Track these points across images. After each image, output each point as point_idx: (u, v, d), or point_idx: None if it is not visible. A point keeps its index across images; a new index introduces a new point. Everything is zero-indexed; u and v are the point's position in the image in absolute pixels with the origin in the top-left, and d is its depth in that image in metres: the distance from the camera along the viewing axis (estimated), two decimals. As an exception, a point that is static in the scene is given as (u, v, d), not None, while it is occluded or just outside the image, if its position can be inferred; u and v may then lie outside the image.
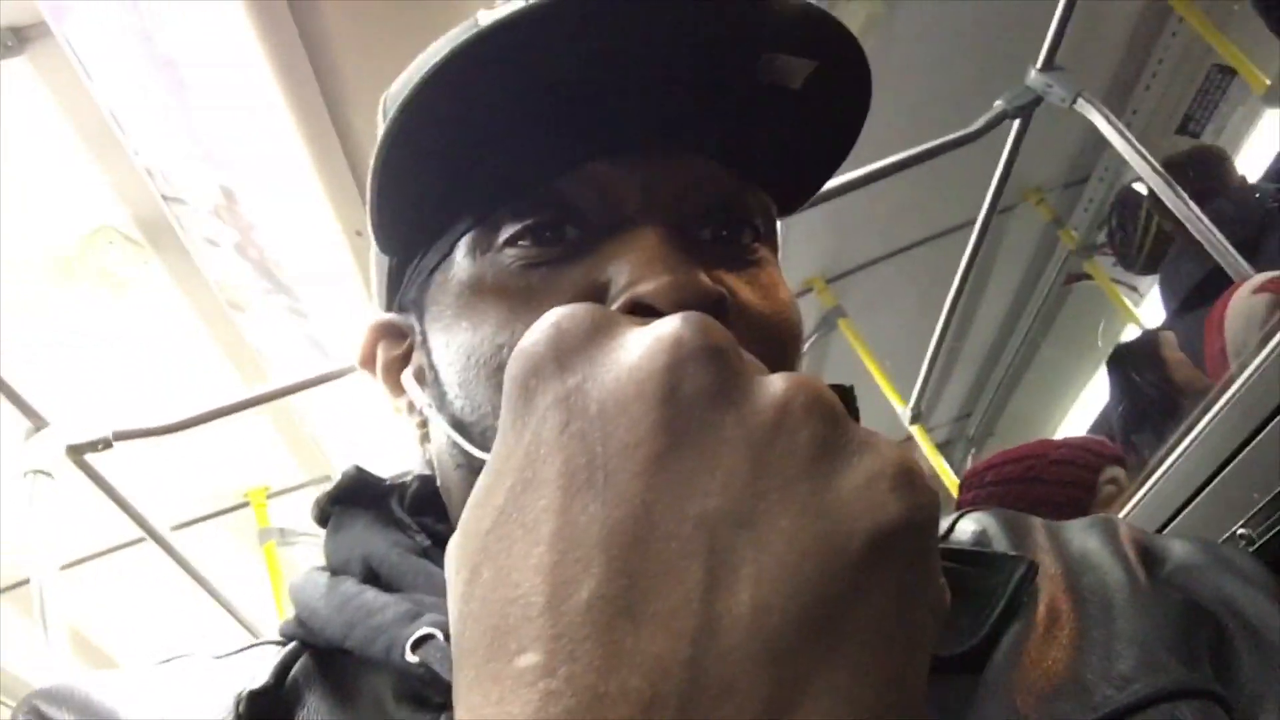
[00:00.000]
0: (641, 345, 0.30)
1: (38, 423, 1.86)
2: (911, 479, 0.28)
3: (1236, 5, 2.45)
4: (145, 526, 2.15)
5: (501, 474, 0.30)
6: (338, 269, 2.27)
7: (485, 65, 0.45)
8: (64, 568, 1.98)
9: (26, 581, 2.19)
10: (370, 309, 0.61)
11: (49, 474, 1.86)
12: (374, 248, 0.57)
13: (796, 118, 0.52)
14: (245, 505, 2.97)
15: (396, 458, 0.67)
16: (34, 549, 1.89)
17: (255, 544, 2.93)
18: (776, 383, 0.29)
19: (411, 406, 0.56)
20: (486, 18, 0.49)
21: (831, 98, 0.51)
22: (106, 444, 1.89)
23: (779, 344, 0.50)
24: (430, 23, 0.60)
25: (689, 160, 0.51)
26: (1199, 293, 2.31)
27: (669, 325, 0.30)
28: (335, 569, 0.55)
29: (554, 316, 0.32)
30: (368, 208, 0.51)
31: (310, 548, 3.00)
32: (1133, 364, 2.37)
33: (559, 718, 0.24)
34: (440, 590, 0.51)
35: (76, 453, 1.87)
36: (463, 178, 0.50)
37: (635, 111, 0.50)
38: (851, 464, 0.28)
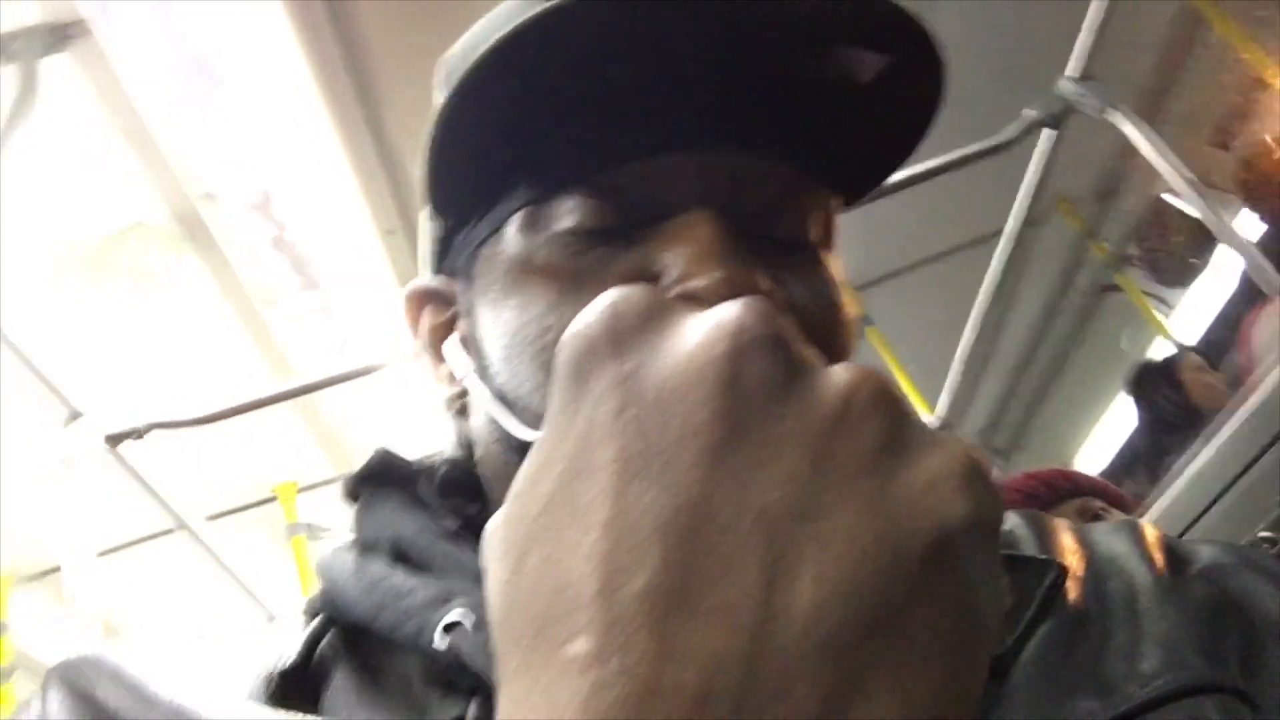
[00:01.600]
0: (701, 331, 0.29)
1: (74, 413, 1.89)
2: (977, 478, 0.27)
3: (1263, 12, 2.43)
4: (177, 517, 2.18)
5: (552, 458, 0.29)
6: (369, 267, 2.30)
7: (548, 41, 0.45)
8: (99, 555, 2.01)
9: (58, 569, 2.23)
10: (408, 286, 0.60)
11: (84, 462, 1.89)
12: (424, 213, 0.57)
13: (863, 111, 0.51)
14: (274, 500, 3.00)
15: (420, 454, 0.67)
16: (68, 537, 1.92)
17: (284, 538, 2.95)
18: (840, 374, 0.28)
19: (452, 376, 0.55)
20: None
21: (902, 91, 0.50)
22: (140, 434, 1.92)
23: (831, 344, 0.49)
24: (467, 24, 0.61)
25: (748, 155, 0.49)
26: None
27: (730, 311, 0.29)
28: (364, 547, 0.54)
29: (610, 298, 0.30)
30: (423, 167, 0.49)
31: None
32: (1153, 385, 2.37)
33: (609, 708, 0.24)
34: (469, 574, 0.51)
35: (112, 442, 1.90)
36: (522, 153, 0.50)
37: (698, 105, 0.49)
38: (916, 461, 0.27)
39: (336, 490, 0.59)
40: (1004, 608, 0.28)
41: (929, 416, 2.92)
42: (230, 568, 2.40)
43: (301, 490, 2.99)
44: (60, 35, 1.79)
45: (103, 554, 2.14)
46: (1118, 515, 1.84)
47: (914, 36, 0.47)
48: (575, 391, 0.29)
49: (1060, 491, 1.91)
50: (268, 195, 2.10)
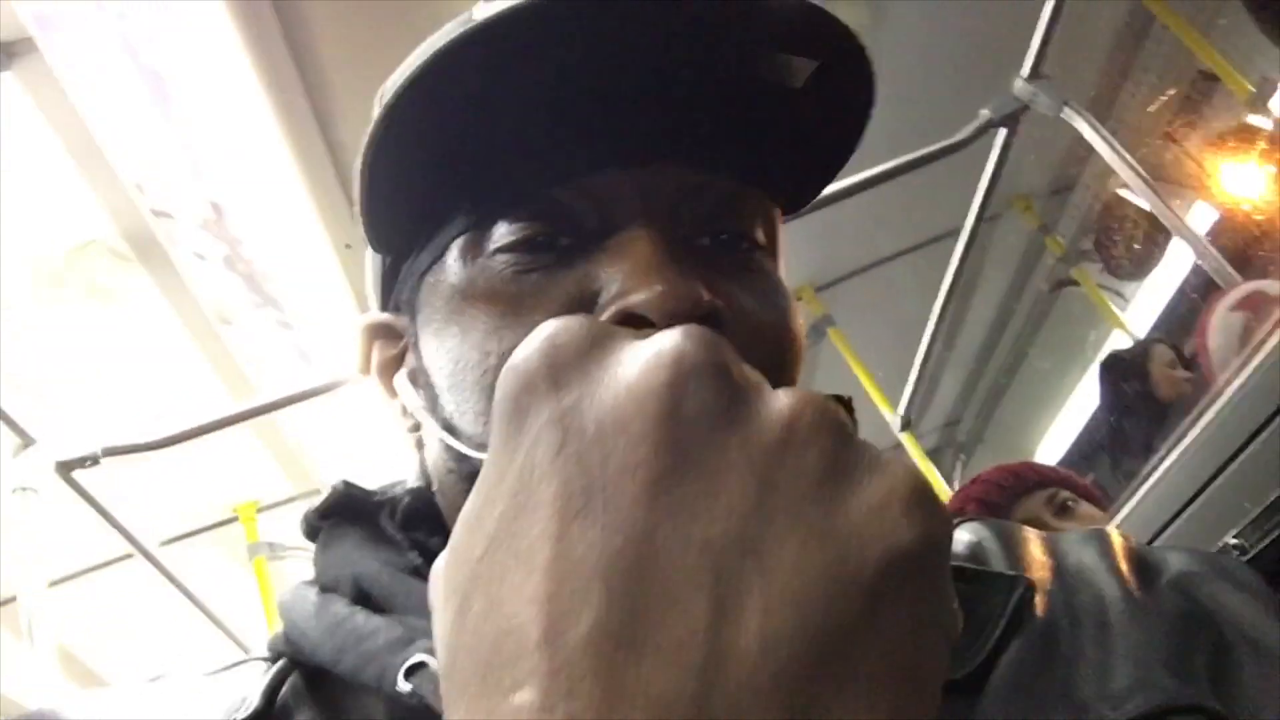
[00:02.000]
0: (641, 360, 0.28)
1: (25, 440, 1.85)
2: (925, 500, 0.26)
3: (1222, 20, 2.48)
4: (134, 542, 2.14)
5: (492, 498, 0.28)
6: (326, 282, 2.27)
7: (480, 62, 0.44)
8: (52, 585, 1.97)
9: (14, 599, 2.18)
10: (359, 321, 0.59)
11: (37, 491, 1.85)
12: (367, 248, 0.56)
13: (799, 119, 0.51)
14: (234, 520, 2.96)
15: (387, 471, 0.66)
16: (22, 566, 1.88)
17: (245, 559, 2.91)
18: (782, 399, 0.28)
19: (405, 409, 0.55)
20: (482, 12, 0.49)
21: (834, 97, 0.50)
22: (95, 460, 1.88)
23: (779, 352, 0.49)
24: (420, 37, 0.60)
25: (687, 167, 0.49)
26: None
27: (669, 340, 0.28)
28: (325, 586, 0.53)
29: (548, 330, 0.30)
30: (357, 203, 0.49)
31: (301, 562, 2.98)
32: (1121, 374, 2.39)
33: None
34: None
35: (65, 469, 1.86)
36: (456, 179, 0.49)
37: (633, 120, 0.49)
38: (862, 485, 0.26)
39: (298, 509, 0.58)
40: (957, 630, 0.27)
41: (891, 415, 2.94)
42: (191, 592, 2.36)
43: (262, 509, 2.96)
44: (6, 53, 1.75)
45: (57, 582, 2.10)
46: (1085, 507, 1.86)
47: (842, 40, 0.47)
48: (515, 427, 0.29)
49: (1028, 483, 1.93)
50: (220, 211, 2.07)
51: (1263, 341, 0.73)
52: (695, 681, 0.24)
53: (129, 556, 2.37)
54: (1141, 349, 2.63)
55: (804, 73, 0.48)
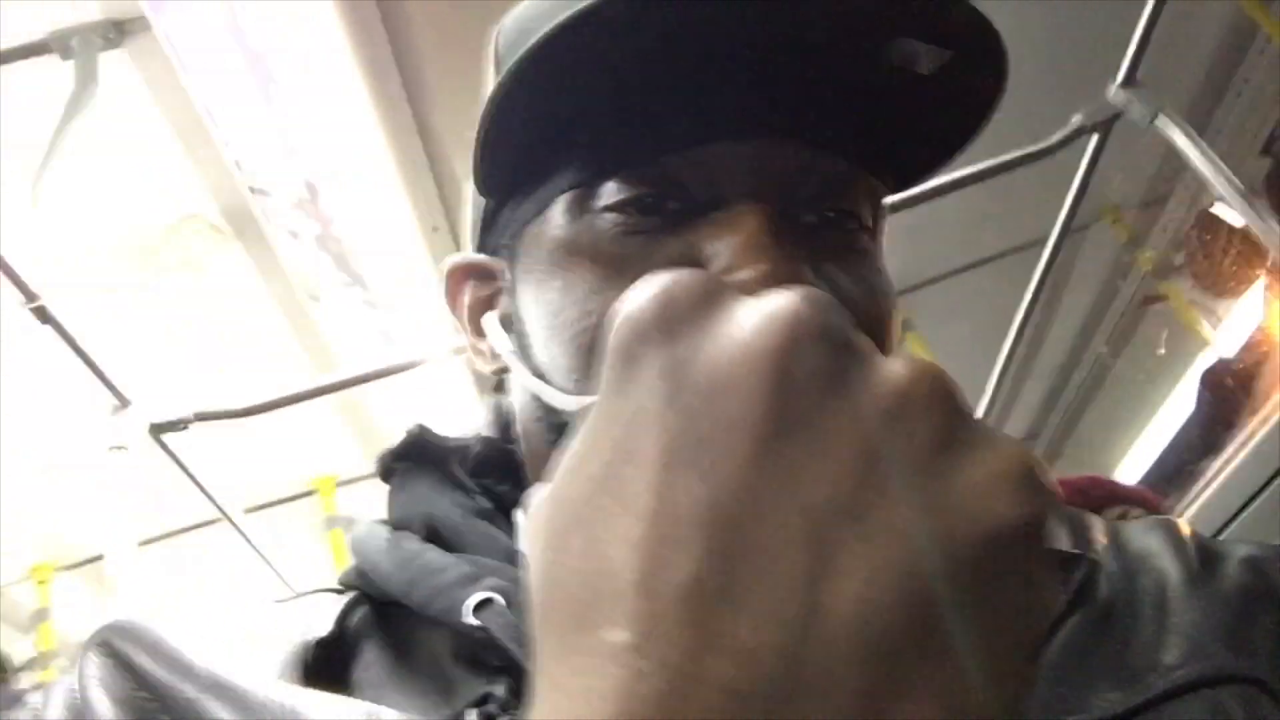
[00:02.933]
0: (756, 318, 0.28)
1: (122, 401, 1.92)
2: (1034, 480, 0.26)
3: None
4: (220, 508, 2.21)
5: (598, 443, 0.28)
6: (414, 264, 2.32)
7: (607, 23, 0.44)
8: (141, 544, 2.03)
9: (101, 558, 2.26)
10: (453, 258, 0.61)
11: (130, 451, 1.91)
12: (471, 187, 0.57)
13: (918, 104, 0.50)
14: (313, 493, 3.03)
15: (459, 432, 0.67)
16: (113, 525, 1.95)
17: (322, 531, 2.98)
18: (897, 367, 0.28)
19: (491, 352, 0.56)
20: None
21: (958, 85, 0.49)
22: (185, 424, 1.94)
23: (876, 338, 0.47)
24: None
25: (799, 144, 0.49)
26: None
27: (786, 300, 0.28)
28: (397, 524, 0.55)
29: (663, 280, 0.30)
30: (475, 144, 0.50)
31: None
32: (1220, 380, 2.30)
33: (645, 697, 0.24)
34: (501, 553, 0.52)
35: (157, 431, 1.93)
36: (572, 135, 0.50)
37: (750, 95, 0.49)
38: (973, 460, 0.26)
39: (375, 484, 0.60)
40: (1055, 612, 0.28)
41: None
42: (270, 560, 2.43)
43: (340, 484, 3.03)
44: (120, 31, 1.82)
45: (144, 543, 2.18)
46: None
47: (977, 31, 0.47)
48: (625, 375, 0.29)
49: (1094, 499, 1.89)
50: (315, 191, 2.12)
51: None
52: (789, 639, 0.24)
53: (212, 522, 2.44)
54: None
55: (934, 61, 0.48)
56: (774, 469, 0.26)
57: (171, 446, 2.00)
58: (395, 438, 0.61)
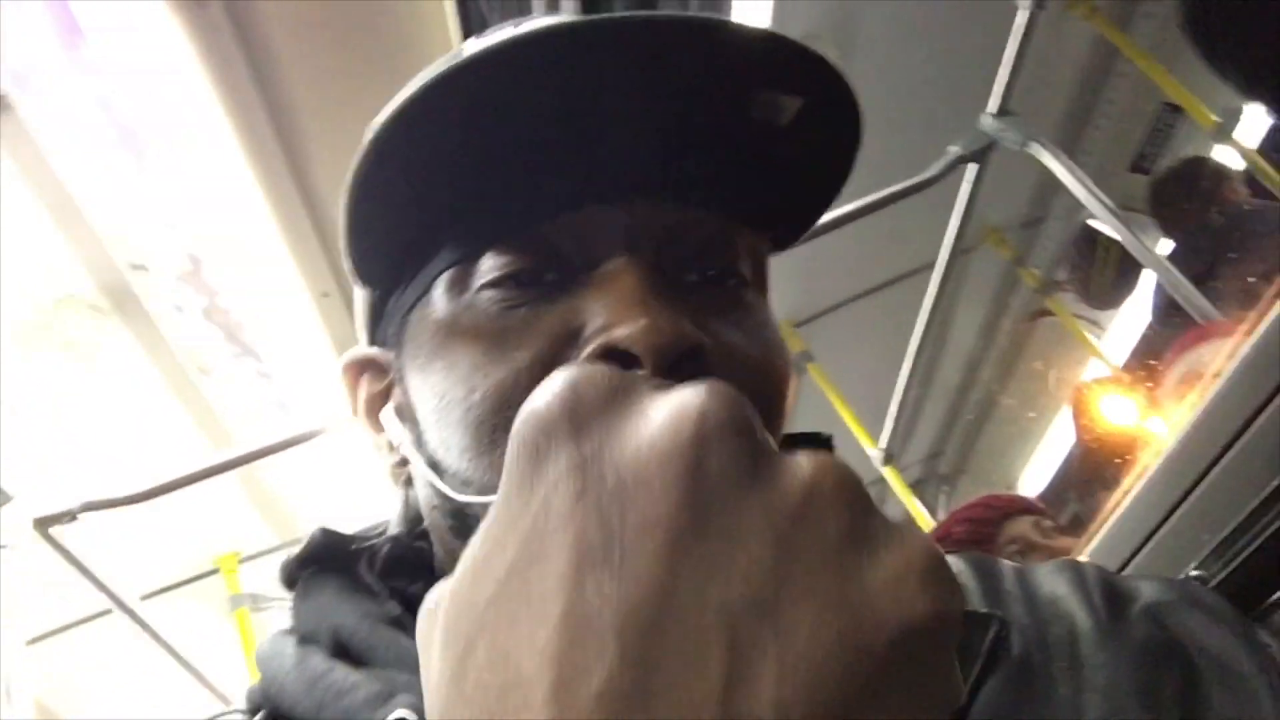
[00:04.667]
0: (665, 414, 0.28)
1: (2, 497, 1.83)
2: (941, 575, 0.26)
3: (1175, 44, 2.52)
4: (113, 597, 2.11)
5: (503, 542, 0.27)
6: (304, 331, 2.27)
7: (465, 98, 0.44)
8: (30, 642, 1.94)
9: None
10: (346, 356, 0.59)
11: (15, 548, 1.83)
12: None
13: (786, 155, 0.51)
14: (215, 572, 2.93)
15: (369, 520, 0.65)
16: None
17: (227, 611, 2.88)
18: (803, 464, 0.27)
19: (391, 445, 0.54)
20: (472, 48, 0.49)
21: (821, 134, 0.50)
22: (72, 516, 1.86)
23: (766, 387, 0.48)
24: (393, 84, 0.60)
25: (674, 204, 0.49)
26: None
27: (694, 396, 0.28)
28: (304, 637, 0.53)
29: (570, 375, 0.29)
30: (343, 238, 0.49)
31: (284, 614, 2.94)
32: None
33: None
34: (412, 666, 0.50)
35: (43, 525, 1.84)
36: (442, 213, 0.49)
37: (618, 156, 0.48)
38: (879, 555, 0.26)
39: (281, 559, 0.58)
40: (959, 704, 0.27)
41: (873, 449, 2.94)
42: (172, 646, 2.33)
43: (244, 560, 2.93)
44: (-22, 112, 1.76)
45: (36, 640, 2.07)
46: (1061, 538, 1.91)
47: (828, 79, 0.48)
48: (531, 471, 0.28)
49: (995, 519, 1.98)
50: (198, 263, 2.07)
51: (1215, 375, 0.74)
52: None
53: (108, 612, 2.34)
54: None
55: (791, 110, 0.48)
56: (688, 566, 0.25)
57: (61, 538, 1.91)
58: (299, 507, 0.59)
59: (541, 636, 0.25)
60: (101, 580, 2.07)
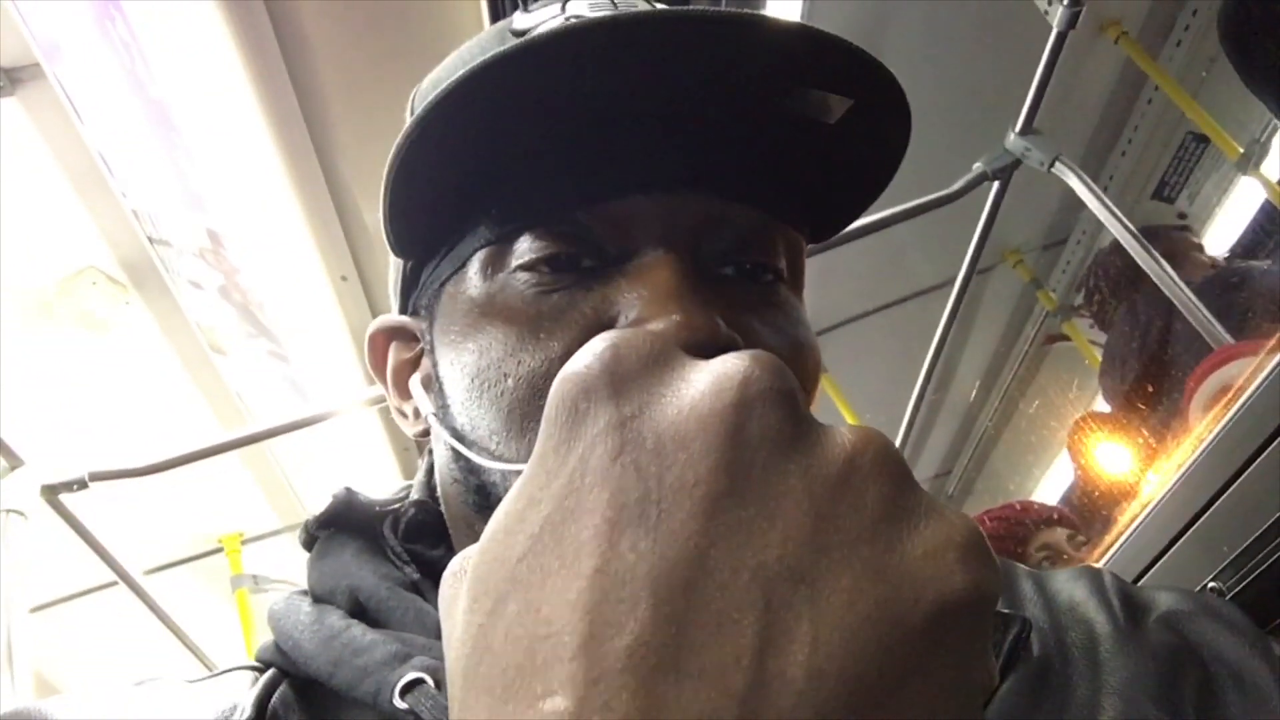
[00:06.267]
0: (707, 380, 0.28)
1: (13, 462, 1.84)
2: (980, 551, 0.26)
3: (1204, 73, 2.51)
4: (118, 570, 2.12)
5: (538, 499, 0.27)
6: (322, 314, 2.27)
7: (513, 82, 0.44)
8: (33, 610, 1.95)
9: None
10: (376, 321, 0.60)
11: (23, 514, 1.83)
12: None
13: (829, 153, 0.51)
14: (219, 551, 2.94)
15: (390, 493, 0.65)
16: (3, 590, 1.86)
17: (228, 590, 2.89)
18: (846, 434, 0.28)
19: (417, 413, 0.55)
20: (521, 22, 0.49)
21: (867, 134, 0.50)
22: (82, 484, 1.87)
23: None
24: (418, 70, 0.60)
25: (713, 197, 0.49)
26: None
27: (738, 362, 0.28)
28: (319, 597, 0.53)
29: (611, 338, 0.30)
30: (383, 203, 0.49)
31: (284, 594, 2.95)
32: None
33: None
34: (430, 629, 0.50)
35: (52, 493, 1.85)
36: (482, 190, 0.49)
37: (662, 147, 0.49)
38: (919, 528, 0.26)
39: (283, 541, 0.58)
40: (992, 684, 0.27)
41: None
42: (173, 622, 2.33)
43: (247, 541, 2.94)
44: (11, 78, 1.77)
45: (39, 608, 2.08)
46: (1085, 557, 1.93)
47: (879, 81, 0.48)
48: (569, 431, 0.28)
49: (1029, 525, 1.99)
50: (218, 240, 2.07)
51: (1239, 391, 0.74)
52: (736, 707, 0.23)
53: (112, 584, 2.34)
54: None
55: (839, 109, 0.48)
56: (723, 529, 0.25)
57: (70, 507, 1.92)
58: (304, 491, 0.59)
59: (574, 590, 0.25)
60: (107, 552, 2.08)
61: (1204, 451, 0.76)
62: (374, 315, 2.35)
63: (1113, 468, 2.46)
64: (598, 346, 0.29)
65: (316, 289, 2.22)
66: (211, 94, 1.80)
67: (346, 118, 1.98)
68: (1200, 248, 2.56)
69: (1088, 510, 2.59)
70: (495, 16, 1.70)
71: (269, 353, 2.34)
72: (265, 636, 0.55)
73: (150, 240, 2.05)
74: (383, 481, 2.55)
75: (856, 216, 0.56)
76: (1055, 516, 2.05)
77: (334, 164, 2.05)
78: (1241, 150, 2.49)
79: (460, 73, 0.43)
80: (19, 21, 1.63)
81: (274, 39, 1.80)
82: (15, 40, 1.70)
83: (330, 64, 1.89)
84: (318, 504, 0.59)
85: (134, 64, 1.73)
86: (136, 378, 2.40)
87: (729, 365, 0.28)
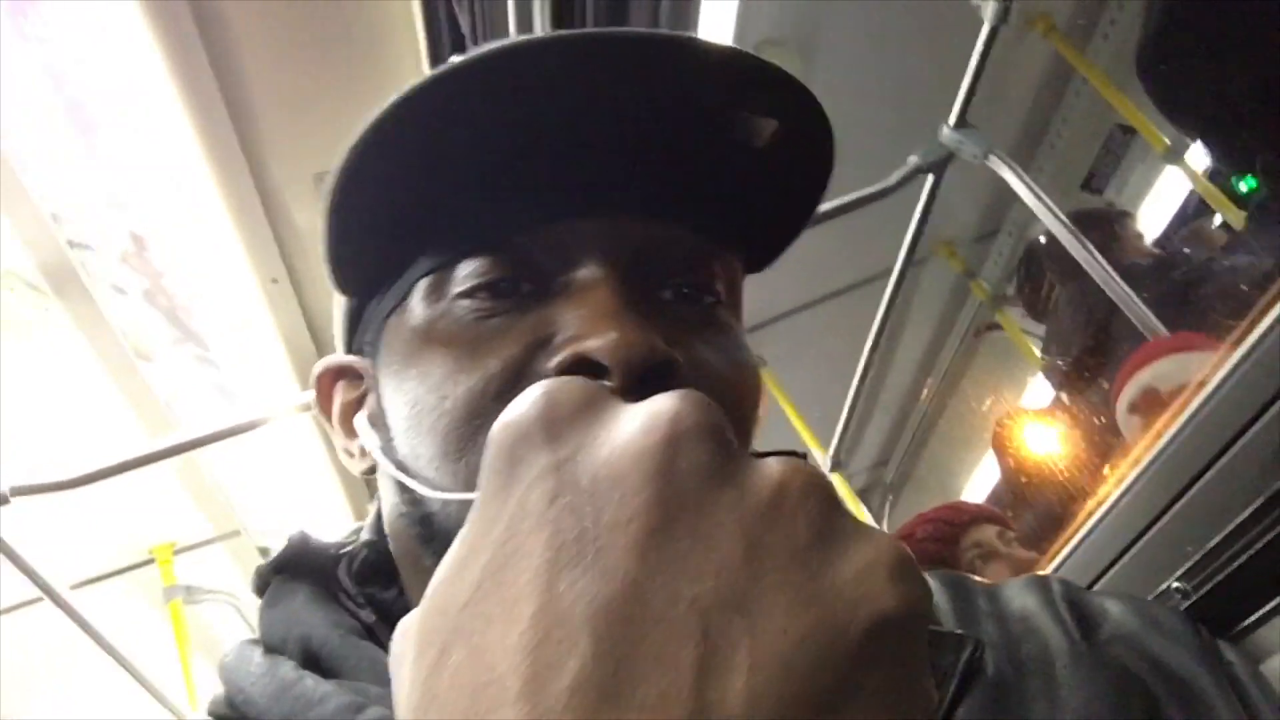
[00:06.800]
0: (638, 420, 0.29)
1: (-71, 477, 1.77)
2: (908, 569, 0.27)
3: (1131, 66, 2.56)
4: (42, 586, 2.06)
5: (479, 547, 0.28)
6: (252, 317, 2.22)
7: (445, 109, 0.45)
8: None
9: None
10: (322, 363, 0.59)
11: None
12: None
13: (762, 177, 0.52)
14: (150, 562, 2.87)
15: (306, 514, 0.65)
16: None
17: (161, 602, 2.82)
18: (773, 465, 0.28)
19: (363, 451, 0.54)
20: (455, 60, 0.49)
21: (796, 157, 0.51)
22: (3, 500, 1.81)
23: (736, 406, 0.49)
24: (350, 68, 0.59)
25: (651, 221, 0.50)
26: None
27: (667, 402, 0.29)
28: (271, 647, 0.52)
29: (544, 387, 0.30)
30: (323, 243, 0.49)
31: (219, 605, 2.90)
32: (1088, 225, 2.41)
33: None
34: (384, 677, 0.49)
35: (-30, 509, 1.79)
36: (422, 221, 0.50)
37: (597, 170, 0.49)
38: (848, 551, 0.27)
39: (217, 550, 0.57)
40: (932, 704, 0.27)
41: (821, 455, 2.96)
42: (102, 638, 2.27)
43: (179, 551, 2.87)
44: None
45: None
46: (1020, 548, 1.97)
47: (804, 104, 0.49)
48: (506, 478, 0.29)
49: (960, 524, 2.05)
50: (142, 243, 2.01)
51: (1199, 386, 0.74)
52: None
53: (37, 600, 2.28)
54: (1115, 213, 2.69)
55: (766, 132, 0.49)
56: (659, 563, 0.26)
57: (-12, 522, 1.85)
58: (237, 498, 0.58)
59: (515, 634, 0.25)
60: (30, 567, 2.01)
61: (1167, 448, 0.76)
62: (305, 317, 2.31)
63: (1037, 462, 2.52)
64: (533, 394, 0.30)
65: (246, 292, 2.18)
66: (132, 92, 1.75)
67: (274, 114, 1.94)
68: (1140, 235, 2.62)
69: (1017, 501, 2.66)
70: (429, 14, 1.67)
71: (197, 358, 2.29)
72: (204, 650, 0.53)
73: (70, 244, 1.99)
74: (317, 484, 2.50)
75: (790, 241, 0.57)
76: (985, 515, 2.12)
77: (262, 162, 2.01)
78: (1168, 142, 2.54)
79: (389, 102, 0.44)
80: (-76, 18, 1.57)
81: (196, 32, 1.75)
82: (-79, 38, 1.63)
83: (256, 58, 1.85)
84: (251, 511, 0.57)
85: (50, 61, 1.67)
86: (58, 386, 2.33)
87: (658, 405, 0.29)
